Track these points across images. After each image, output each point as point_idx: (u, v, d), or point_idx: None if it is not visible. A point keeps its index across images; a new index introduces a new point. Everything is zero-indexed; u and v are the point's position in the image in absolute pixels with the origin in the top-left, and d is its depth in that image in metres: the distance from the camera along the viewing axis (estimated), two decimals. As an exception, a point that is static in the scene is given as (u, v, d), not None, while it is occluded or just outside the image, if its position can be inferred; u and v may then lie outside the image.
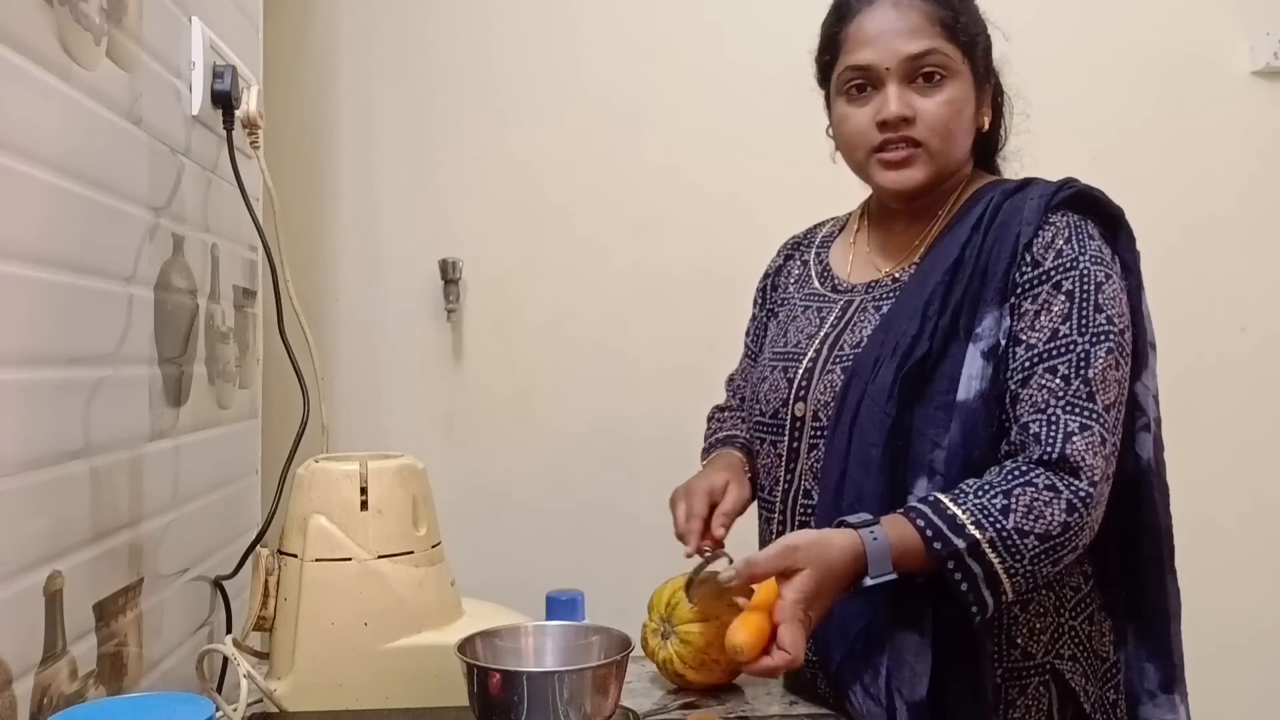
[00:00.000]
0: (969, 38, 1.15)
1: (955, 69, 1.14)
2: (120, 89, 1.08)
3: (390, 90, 2.01)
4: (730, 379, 1.45)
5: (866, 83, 1.15)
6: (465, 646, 1.03)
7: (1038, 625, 1.11)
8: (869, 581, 0.98)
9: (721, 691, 1.23)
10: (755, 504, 1.28)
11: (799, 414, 1.18)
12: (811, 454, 1.17)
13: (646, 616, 1.25)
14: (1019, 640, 1.10)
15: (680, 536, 1.19)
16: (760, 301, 1.40)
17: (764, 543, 1.24)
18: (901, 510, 1.02)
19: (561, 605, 1.31)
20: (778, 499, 1.21)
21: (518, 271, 2.02)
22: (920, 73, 1.13)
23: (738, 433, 1.35)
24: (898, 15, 1.14)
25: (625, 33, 2.02)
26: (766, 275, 1.40)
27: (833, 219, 1.38)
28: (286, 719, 1.12)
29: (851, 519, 1.02)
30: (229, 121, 1.32)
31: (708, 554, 1.14)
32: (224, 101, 1.31)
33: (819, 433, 1.16)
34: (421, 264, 1.99)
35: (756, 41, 1.99)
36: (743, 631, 0.97)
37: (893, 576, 0.99)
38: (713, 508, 1.20)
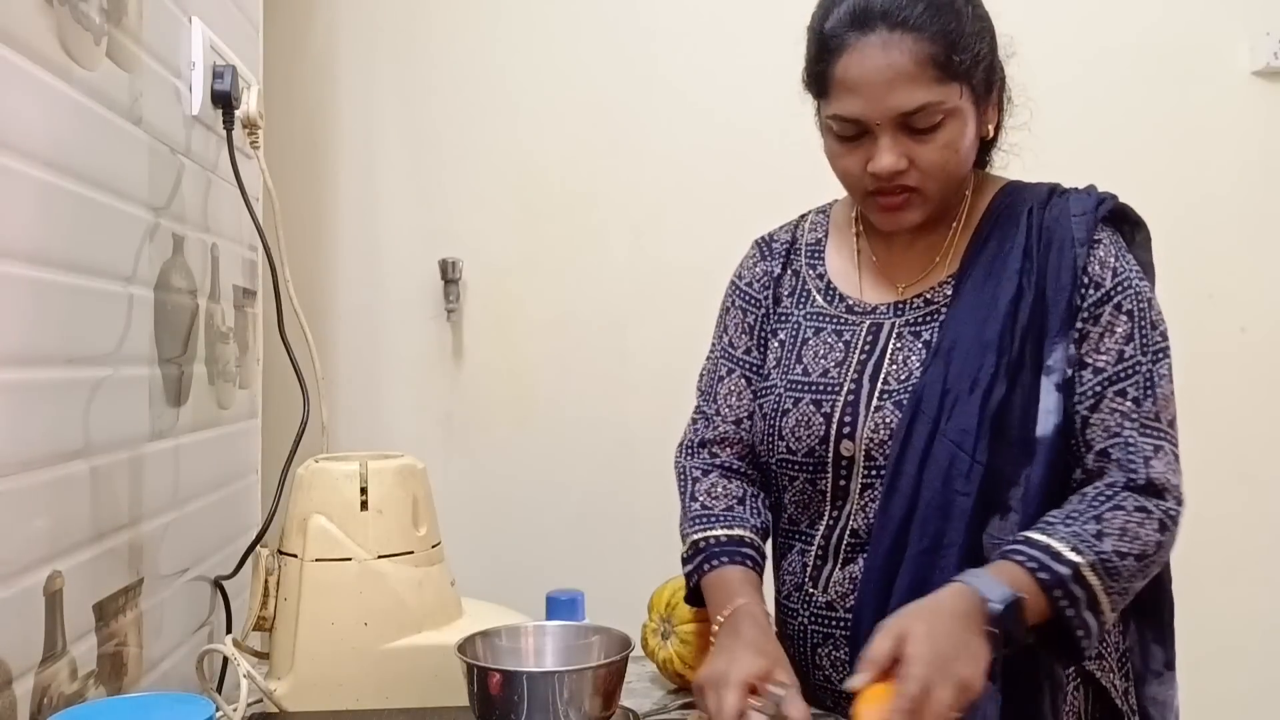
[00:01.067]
0: (967, 65, 1.05)
1: (953, 108, 1.04)
2: (120, 89, 1.08)
3: (390, 90, 2.01)
4: (706, 394, 1.26)
5: (857, 131, 1.07)
6: (465, 646, 1.03)
7: None
8: (995, 606, 0.93)
9: (721, 691, 1.22)
10: (773, 536, 1.21)
11: (846, 453, 1.10)
12: (865, 493, 1.10)
13: (646, 616, 1.25)
14: None
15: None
16: (754, 306, 1.24)
17: (792, 577, 1.17)
18: (1000, 554, 1.00)
19: (561, 605, 1.31)
20: (819, 533, 1.14)
21: (518, 271, 2.02)
22: (915, 123, 1.04)
23: (744, 530, 1.15)
24: (885, 61, 1.02)
25: (625, 32, 2.02)
26: (757, 280, 1.25)
27: (809, 219, 1.27)
28: (286, 719, 1.12)
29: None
30: (229, 121, 1.32)
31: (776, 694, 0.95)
32: (224, 101, 1.31)
33: (874, 472, 1.09)
34: (421, 264, 1.99)
35: (757, 41, 1.99)
36: (868, 705, 0.88)
37: (1018, 595, 0.94)
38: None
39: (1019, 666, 1.02)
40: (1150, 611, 1.16)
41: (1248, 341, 2.06)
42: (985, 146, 1.21)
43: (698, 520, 1.18)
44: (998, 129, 1.18)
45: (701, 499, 1.20)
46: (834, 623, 1.12)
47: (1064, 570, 0.97)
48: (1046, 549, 0.98)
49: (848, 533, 1.12)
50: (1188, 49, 2.05)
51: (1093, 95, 2.03)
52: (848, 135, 1.08)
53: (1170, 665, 1.16)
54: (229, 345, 1.44)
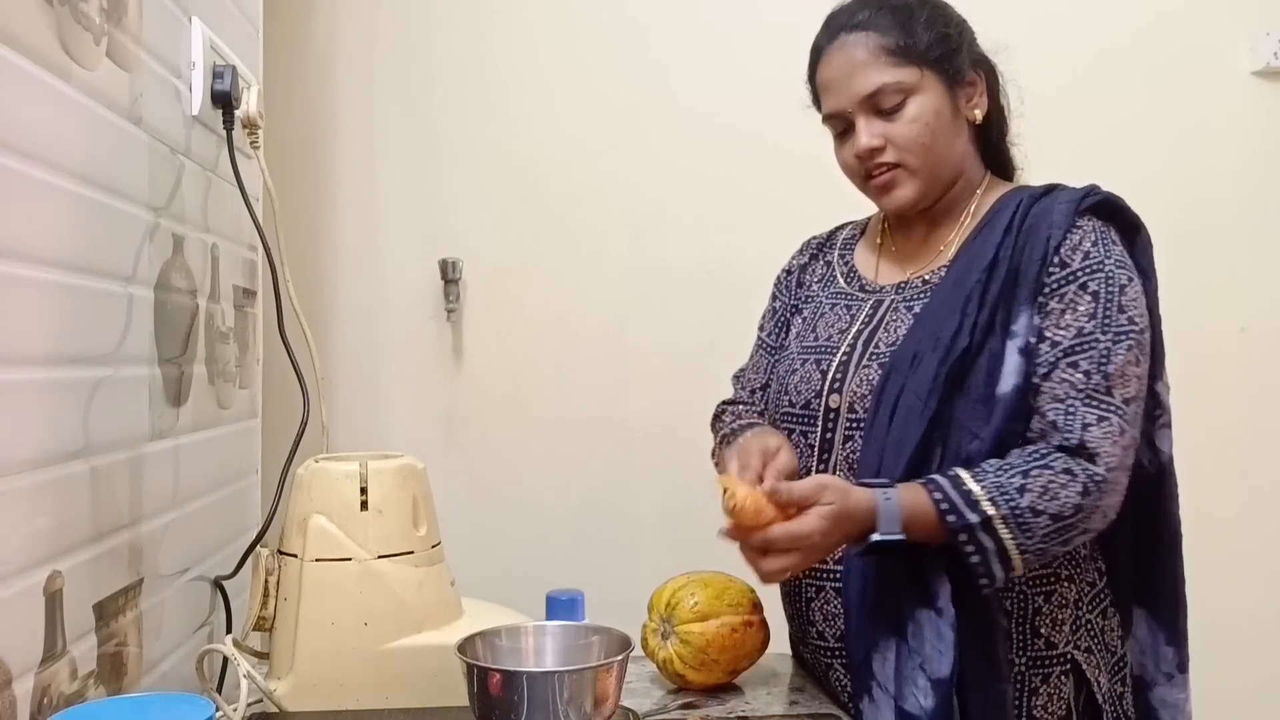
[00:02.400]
0: (924, 50, 1.18)
1: (914, 87, 1.18)
2: (120, 89, 1.08)
3: (390, 90, 2.01)
4: (738, 375, 1.45)
5: (843, 125, 1.22)
6: (465, 646, 1.03)
7: (1060, 616, 1.15)
8: (876, 537, 1.04)
9: (721, 691, 1.23)
10: None
11: (833, 405, 1.22)
12: (846, 445, 1.20)
13: (646, 616, 1.25)
14: (1043, 630, 1.15)
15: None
16: (781, 294, 1.41)
17: None
18: (921, 480, 1.08)
19: (561, 605, 1.31)
20: None
21: (518, 271, 2.02)
22: (880, 104, 1.18)
23: (760, 421, 1.35)
24: (846, 57, 1.20)
25: (625, 32, 2.02)
26: (790, 271, 1.42)
27: (851, 223, 1.42)
28: (286, 719, 1.12)
29: (871, 481, 1.08)
30: (229, 121, 1.32)
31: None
32: (224, 101, 1.31)
33: (855, 425, 1.19)
34: (421, 264, 1.99)
35: (756, 41, 1.99)
36: (749, 494, 1.02)
37: (900, 538, 1.04)
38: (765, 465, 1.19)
39: (973, 608, 1.10)
40: (1164, 613, 1.19)
41: (1248, 341, 2.06)
42: (989, 144, 1.28)
43: (722, 429, 1.37)
44: (989, 119, 1.25)
45: (729, 419, 1.37)
46: (825, 575, 1.20)
47: (973, 518, 1.04)
48: (968, 494, 1.05)
49: None
50: (1188, 49, 2.05)
51: (1093, 95, 2.03)
52: (839, 131, 1.24)
53: (1183, 668, 1.19)
54: (229, 345, 1.44)
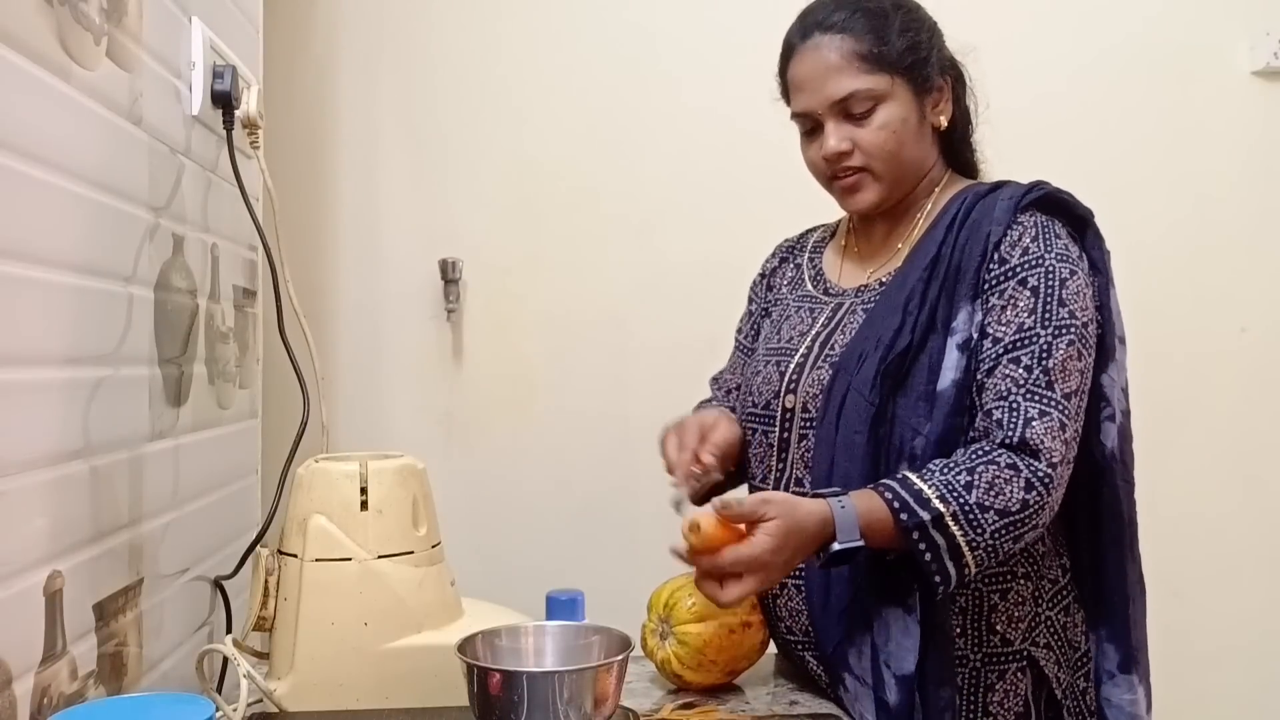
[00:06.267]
0: (896, 58, 1.19)
1: (884, 94, 1.19)
2: (120, 89, 1.08)
3: (390, 90, 2.01)
4: (715, 378, 1.47)
5: (811, 124, 1.23)
6: (465, 646, 1.03)
7: (1016, 614, 1.17)
8: (837, 546, 1.04)
9: (720, 691, 1.23)
10: (746, 490, 1.30)
11: (789, 405, 1.24)
12: (802, 443, 1.22)
13: (646, 616, 1.25)
14: (998, 627, 1.16)
15: (669, 468, 1.23)
16: (755, 299, 1.45)
17: None
18: (871, 485, 1.08)
19: (561, 605, 1.31)
20: (770, 485, 1.26)
21: (518, 271, 2.02)
22: (850, 108, 1.19)
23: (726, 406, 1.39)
24: (818, 59, 1.20)
25: (625, 32, 2.02)
26: (763, 275, 1.45)
27: (823, 225, 1.43)
28: (286, 719, 1.12)
29: (823, 491, 1.08)
30: (229, 121, 1.32)
31: (696, 473, 1.19)
32: (224, 101, 1.31)
33: (808, 424, 1.22)
34: (421, 264, 2.00)
35: (756, 41, 1.98)
36: (707, 520, 1.03)
37: (860, 543, 1.04)
38: (703, 441, 1.24)
39: (934, 608, 1.11)
40: (1109, 609, 1.19)
41: (1248, 341, 2.06)
42: (952, 145, 1.29)
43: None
44: (955, 123, 1.27)
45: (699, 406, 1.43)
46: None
47: (925, 515, 1.05)
48: (918, 493, 1.05)
49: (793, 480, 1.23)
50: (1187, 49, 2.05)
51: (1092, 95, 2.03)
52: (806, 129, 1.25)
53: (1126, 668, 1.18)
54: (229, 345, 1.45)
